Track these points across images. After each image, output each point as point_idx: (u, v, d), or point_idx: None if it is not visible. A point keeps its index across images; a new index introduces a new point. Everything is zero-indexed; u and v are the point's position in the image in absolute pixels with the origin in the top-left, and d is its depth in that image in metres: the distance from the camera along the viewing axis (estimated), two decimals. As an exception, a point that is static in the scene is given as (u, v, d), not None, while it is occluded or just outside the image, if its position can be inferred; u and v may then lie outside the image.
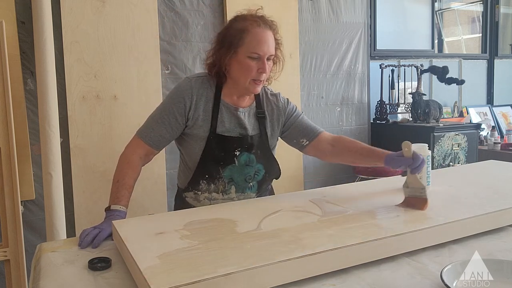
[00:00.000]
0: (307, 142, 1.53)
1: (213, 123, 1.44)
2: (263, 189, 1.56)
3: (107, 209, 1.29)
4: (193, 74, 1.56)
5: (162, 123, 1.43)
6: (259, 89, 1.43)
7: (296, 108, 1.59)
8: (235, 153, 1.45)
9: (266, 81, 1.50)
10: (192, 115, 1.43)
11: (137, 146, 1.44)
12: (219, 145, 1.44)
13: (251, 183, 1.49)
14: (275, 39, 1.44)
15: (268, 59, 1.40)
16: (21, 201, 2.09)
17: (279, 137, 1.58)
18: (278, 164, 1.56)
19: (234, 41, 1.38)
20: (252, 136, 1.47)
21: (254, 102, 1.52)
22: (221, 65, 1.42)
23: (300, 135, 1.54)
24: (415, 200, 1.22)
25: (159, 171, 2.50)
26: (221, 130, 1.45)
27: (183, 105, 1.42)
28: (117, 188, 1.34)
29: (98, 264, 0.98)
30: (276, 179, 1.60)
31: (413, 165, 1.24)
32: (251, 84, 1.40)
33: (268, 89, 1.58)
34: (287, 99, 1.60)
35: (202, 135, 1.43)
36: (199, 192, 1.48)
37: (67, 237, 2.07)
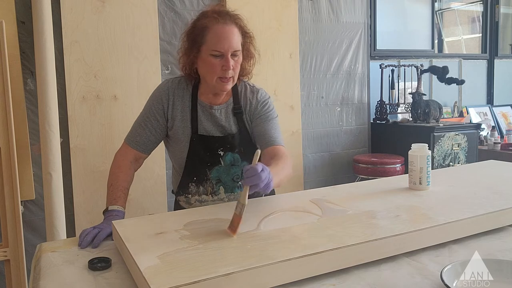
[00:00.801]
0: (259, 148, 1.46)
1: (194, 124, 1.43)
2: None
3: (105, 211, 1.29)
4: (173, 76, 1.55)
5: (146, 126, 1.44)
6: (228, 87, 1.39)
7: (271, 110, 1.49)
8: (219, 153, 1.44)
9: (243, 76, 1.47)
10: (170, 115, 1.43)
11: (126, 152, 1.44)
12: (202, 145, 1.43)
13: (239, 182, 1.49)
14: (243, 33, 1.40)
15: (234, 55, 1.35)
16: (21, 201, 2.09)
17: None
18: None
19: (197, 39, 1.35)
20: (233, 134, 1.45)
21: (231, 98, 1.48)
22: (190, 65, 1.41)
23: (257, 139, 1.46)
24: (236, 219, 1.03)
25: (159, 171, 2.51)
26: (202, 131, 1.44)
27: (161, 106, 1.43)
28: (112, 191, 1.35)
29: (98, 264, 0.98)
30: None
31: (245, 175, 1.07)
32: (218, 82, 1.37)
33: (249, 84, 1.52)
34: (267, 99, 1.51)
35: (184, 136, 1.43)
36: (190, 195, 1.48)
37: (67, 237, 2.07)
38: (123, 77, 2.40)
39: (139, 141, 1.44)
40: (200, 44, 1.35)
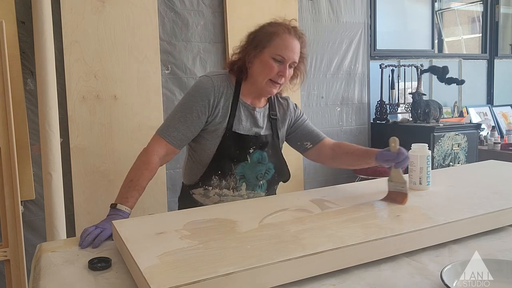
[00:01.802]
0: (311, 146, 1.59)
1: (230, 121, 1.47)
2: (272, 189, 1.59)
3: (113, 206, 1.28)
4: (210, 72, 1.58)
5: (185, 122, 1.43)
6: (275, 91, 1.48)
7: (303, 113, 1.66)
8: (249, 150, 1.49)
9: (281, 89, 1.55)
10: (213, 112, 1.45)
11: (159, 146, 1.42)
12: (235, 142, 1.46)
13: (261, 182, 1.52)
14: (301, 52, 1.49)
15: (290, 66, 1.45)
16: (21, 201, 2.09)
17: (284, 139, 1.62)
18: (287, 166, 1.60)
19: (263, 41, 1.43)
20: (266, 135, 1.52)
21: (267, 104, 1.57)
22: (244, 62, 1.47)
23: (305, 138, 1.60)
24: (396, 194, 1.28)
25: (159, 171, 2.47)
26: (237, 128, 1.48)
27: (206, 103, 1.43)
28: (129, 188, 1.32)
29: (98, 264, 0.98)
30: (285, 181, 1.63)
31: (397, 159, 1.30)
32: (268, 84, 1.45)
33: (278, 93, 1.61)
34: (296, 104, 1.67)
35: (219, 131, 1.46)
36: (210, 188, 1.49)
37: (67, 237, 2.07)
38: (123, 77, 2.40)
39: (176, 136, 1.43)
40: (264, 46, 1.43)
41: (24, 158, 2.17)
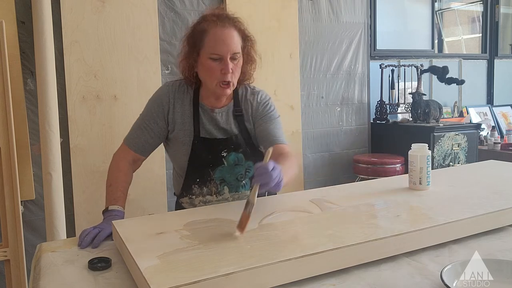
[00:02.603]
0: (263, 149, 1.47)
1: (196, 127, 1.43)
2: None
3: (105, 211, 1.29)
4: (174, 79, 1.55)
5: (145, 129, 1.44)
6: (228, 91, 1.38)
7: (272, 111, 1.50)
8: (222, 154, 1.44)
9: (244, 80, 1.48)
10: (171, 118, 1.43)
11: (124, 153, 1.45)
12: (205, 148, 1.43)
13: (243, 181, 1.49)
14: (243, 36, 1.39)
15: (233, 58, 1.34)
16: (21, 201, 2.09)
17: None
18: None
19: (196, 43, 1.35)
20: (235, 135, 1.46)
21: (232, 101, 1.48)
22: (190, 69, 1.41)
23: (260, 140, 1.46)
24: (244, 216, 1.03)
25: (159, 171, 2.50)
26: (204, 133, 1.44)
27: (161, 109, 1.43)
28: (111, 191, 1.35)
29: (98, 264, 0.98)
30: None
31: (256, 172, 1.06)
32: (218, 87, 1.36)
33: (250, 87, 1.53)
34: (268, 100, 1.52)
35: (185, 139, 1.43)
36: (193, 197, 1.48)
37: (67, 237, 2.07)
38: (123, 77, 2.40)
39: (138, 144, 1.44)
40: (199, 48, 1.35)
41: (24, 158, 2.17)
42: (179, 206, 1.55)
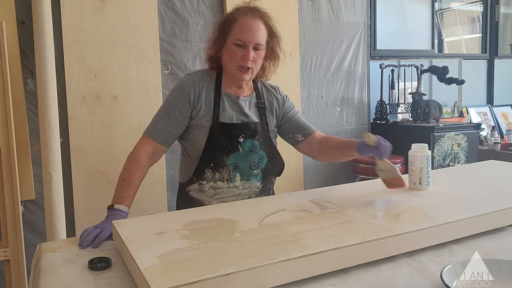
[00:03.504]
0: (302, 138, 1.59)
1: (216, 112, 1.47)
2: (268, 180, 1.58)
3: (110, 207, 1.29)
4: (193, 70, 1.59)
5: (169, 119, 1.45)
6: (247, 77, 1.46)
7: (293, 105, 1.64)
8: (239, 139, 1.48)
9: (262, 76, 1.56)
10: (196, 105, 1.47)
11: (145, 144, 1.44)
12: (223, 132, 1.47)
13: (255, 171, 1.52)
14: (270, 31, 1.48)
15: (256, 48, 1.43)
16: (21, 201, 2.09)
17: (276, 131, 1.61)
18: (280, 155, 1.59)
19: (225, 29, 1.44)
20: (255, 123, 1.52)
21: (254, 93, 1.56)
22: (216, 54, 1.48)
23: (296, 130, 1.59)
24: (392, 180, 1.37)
25: (159, 171, 2.50)
26: (224, 119, 1.48)
27: (187, 98, 1.46)
28: (123, 187, 1.34)
29: (98, 264, 0.98)
30: (279, 173, 1.63)
31: (377, 151, 1.34)
32: (237, 71, 1.44)
33: (267, 83, 1.62)
34: (286, 95, 1.65)
35: (205, 124, 1.46)
36: (204, 182, 1.49)
37: (67, 237, 2.07)
38: (123, 77, 2.40)
39: (161, 134, 1.45)
40: (227, 34, 1.44)
41: (24, 158, 2.17)
42: (184, 195, 1.55)
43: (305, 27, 3.01)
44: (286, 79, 2.93)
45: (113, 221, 1.13)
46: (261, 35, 1.44)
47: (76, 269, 0.97)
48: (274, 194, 1.66)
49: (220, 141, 1.46)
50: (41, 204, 2.19)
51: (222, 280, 0.79)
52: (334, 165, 3.24)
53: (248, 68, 1.44)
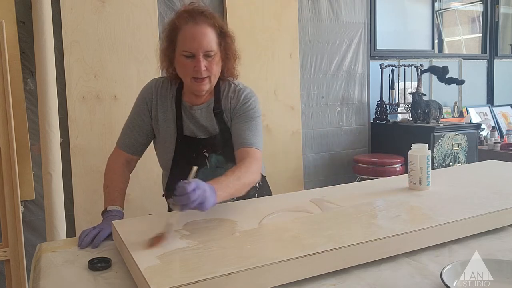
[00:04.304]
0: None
1: (179, 125, 1.40)
2: None
3: (104, 212, 1.29)
4: (160, 76, 1.51)
5: (133, 128, 1.43)
6: (203, 87, 1.34)
7: (251, 110, 1.41)
8: (205, 154, 1.42)
9: (227, 77, 1.42)
10: (154, 115, 1.42)
11: (117, 155, 1.44)
12: (188, 146, 1.41)
13: None
14: (219, 32, 1.33)
15: (207, 55, 1.30)
16: (21, 201, 2.09)
17: None
18: None
19: (172, 39, 1.33)
20: (215, 135, 1.41)
21: (213, 98, 1.42)
22: (168, 65, 1.38)
23: (233, 140, 1.40)
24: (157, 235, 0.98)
25: (159, 171, 2.47)
26: (187, 132, 1.41)
27: (145, 105, 1.43)
28: (109, 193, 1.34)
29: (98, 264, 0.98)
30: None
31: (175, 193, 1.00)
32: (193, 82, 1.33)
33: (234, 83, 1.45)
34: (250, 98, 1.42)
35: (169, 137, 1.41)
36: None
37: (67, 237, 2.07)
38: (123, 77, 2.40)
39: (128, 143, 1.43)
40: (174, 45, 1.33)
41: (24, 158, 2.17)
42: (168, 208, 1.54)
43: (305, 27, 3.01)
44: (286, 79, 2.94)
45: (113, 221, 1.13)
46: (209, 41, 1.29)
47: (76, 269, 0.97)
48: (271, 194, 1.65)
49: (186, 156, 1.40)
50: (41, 204, 2.19)
51: (222, 280, 0.79)
52: (334, 165, 3.24)
53: (203, 78, 1.31)
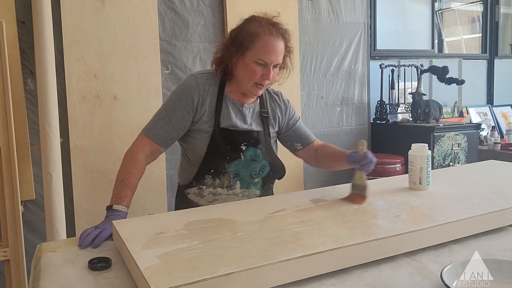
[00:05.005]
0: (301, 147, 1.60)
1: (217, 118, 1.45)
2: (267, 187, 1.57)
3: (109, 208, 1.29)
4: (197, 71, 1.57)
5: (169, 120, 1.43)
6: (260, 92, 1.47)
7: (295, 111, 1.63)
8: (241, 147, 1.46)
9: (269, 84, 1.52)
10: (199, 111, 1.44)
11: (143, 144, 1.43)
12: (225, 139, 1.45)
13: (256, 179, 1.50)
14: (286, 47, 1.45)
15: (275, 66, 1.42)
16: (21, 201, 2.09)
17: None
18: (282, 163, 1.58)
19: (244, 43, 1.39)
20: (258, 131, 1.50)
21: (258, 100, 1.54)
22: (228, 63, 1.44)
23: (296, 139, 1.60)
24: (355, 196, 1.31)
25: (159, 171, 2.50)
26: (226, 125, 1.46)
27: (190, 101, 1.43)
28: (121, 188, 1.33)
29: (98, 264, 0.98)
30: (279, 178, 1.61)
31: (362, 162, 1.33)
32: (253, 87, 1.44)
33: (270, 87, 1.60)
34: (288, 100, 1.63)
35: (207, 129, 1.44)
36: (204, 187, 1.47)
37: (67, 237, 2.07)
38: (123, 77, 2.39)
39: (160, 135, 1.43)
40: (246, 49, 1.39)
41: (24, 158, 2.17)
42: (183, 198, 1.54)
43: (305, 27, 3.01)
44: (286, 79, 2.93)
45: (113, 221, 1.13)
46: (281, 54, 1.42)
47: (76, 269, 0.97)
48: (273, 194, 1.66)
49: (221, 148, 1.44)
50: (41, 204, 2.19)
51: (222, 280, 0.79)
52: (334, 165, 3.24)
53: (264, 85, 1.44)
